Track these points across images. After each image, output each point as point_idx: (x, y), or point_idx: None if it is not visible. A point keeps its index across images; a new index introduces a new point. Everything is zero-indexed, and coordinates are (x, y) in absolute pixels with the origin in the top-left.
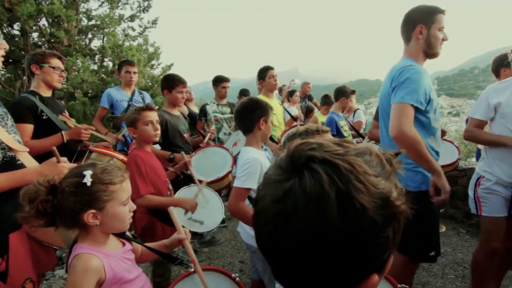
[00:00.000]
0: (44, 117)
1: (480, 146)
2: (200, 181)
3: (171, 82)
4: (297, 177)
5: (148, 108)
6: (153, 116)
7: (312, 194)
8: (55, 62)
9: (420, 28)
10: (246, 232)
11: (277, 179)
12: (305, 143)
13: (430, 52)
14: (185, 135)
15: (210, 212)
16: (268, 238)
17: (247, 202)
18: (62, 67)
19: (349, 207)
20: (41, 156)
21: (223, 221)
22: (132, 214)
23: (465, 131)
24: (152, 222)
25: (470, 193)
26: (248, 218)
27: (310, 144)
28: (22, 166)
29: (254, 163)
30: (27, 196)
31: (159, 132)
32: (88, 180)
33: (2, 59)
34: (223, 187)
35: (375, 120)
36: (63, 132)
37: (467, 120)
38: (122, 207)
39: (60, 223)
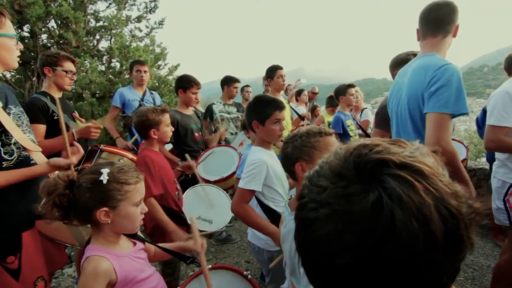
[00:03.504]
0: (55, 118)
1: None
2: (207, 181)
3: (186, 83)
4: (378, 186)
5: (167, 110)
6: (169, 118)
7: (411, 206)
8: (68, 65)
9: (458, 25)
10: (253, 232)
11: (347, 192)
12: (362, 146)
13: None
14: (196, 134)
15: (219, 211)
16: (349, 266)
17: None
18: (74, 70)
19: (448, 215)
20: (53, 155)
21: (229, 221)
22: (143, 216)
23: (490, 141)
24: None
25: (499, 203)
26: (250, 220)
27: (370, 147)
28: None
29: (260, 164)
30: (46, 188)
31: (172, 130)
32: (104, 178)
33: (18, 59)
34: (229, 187)
35: (378, 129)
36: (73, 130)
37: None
38: (134, 208)
39: (74, 217)
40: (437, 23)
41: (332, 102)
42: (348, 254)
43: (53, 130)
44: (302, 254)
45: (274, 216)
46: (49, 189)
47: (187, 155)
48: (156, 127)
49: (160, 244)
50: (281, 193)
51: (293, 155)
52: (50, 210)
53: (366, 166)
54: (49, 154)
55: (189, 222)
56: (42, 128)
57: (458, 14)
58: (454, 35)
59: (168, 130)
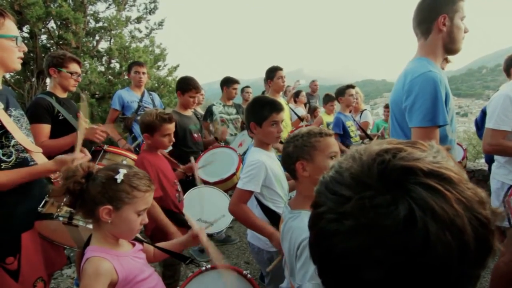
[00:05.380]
0: (60, 118)
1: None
2: (206, 183)
3: (185, 85)
4: (407, 196)
5: (169, 120)
6: (172, 128)
7: (444, 218)
8: (73, 67)
9: (443, 19)
10: (252, 233)
11: (374, 203)
12: (384, 151)
13: (452, 47)
14: (195, 135)
15: (220, 213)
16: (381, 280)
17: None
18: (79, 71)
19: (478, 225)
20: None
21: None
22: (141, 227)
23: (489, 144)
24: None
25: (498, 204)
26: (247, 220)
27: (394, 152)
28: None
29: (259, 165)
30: (65, 172)
31: (172, 142)
32: (119, 177)
33: (21, 61)
34: (229, 188)
35: None
36: (78, 132)
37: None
38: (136, 216)
39: (79, 207)
40: (416, 25)
41: (327, 99)
42: (378, 269)
43: (58, 130)
44: (321, 265)
45: (274, 217)
46: (68, 174)
47: (192, 158)
48: (151, 132)
49: (159, 244)
50: (280, 194)
51: (294, 154)
52: (62, 194)
53: (392, 174)
54: (53, 154)
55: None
56: (46, 128)
57: (441, 6)
58: (440, 30)
59: (164, 140)
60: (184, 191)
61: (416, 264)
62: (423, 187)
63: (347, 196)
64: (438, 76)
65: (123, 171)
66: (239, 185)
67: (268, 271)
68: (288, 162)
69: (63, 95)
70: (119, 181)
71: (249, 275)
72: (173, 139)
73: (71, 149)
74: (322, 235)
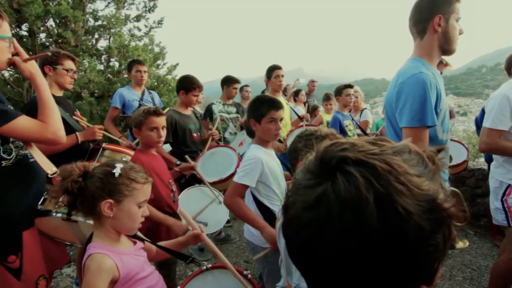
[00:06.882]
0: None
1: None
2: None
3: (189, 85)
4: (329, 181)
5: (156, 113)
6: (160, 122)
7: (347, 199)
8: (68, 64)
9: (439, 19)
10: (248, 229)
11: (307, 184)
12: (335, 144)
13: (448, 47)
14: (195, 134)
15: (215, 213)
16: (302, 246)
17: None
18: (75, 68)
19: (390, 212)
20: (55, 156)
21: (228, 221)
22: (143, 219)
23: (484, 143)
24: (156, 224)
25: (497, 203)
26: (240, 212)
27: (341, 145)
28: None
29: (255, 161)
30: (62, 173)
31: (163, 138)
32: (117, 171)
33: (9, 61)
34: (227, 188)
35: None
36: (77, 133)
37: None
38: (137, 208)
39: (80, 206)
40: (412, 25)
41: (326, 97)
42: (304, 232)
43: None
44: (283, 235)
45: (268, 214)
46: (65, 174)
47: (187, 157)
48: (139, 127)
49: (160, 243)
50: (276, 191)
51: (301, 152)
52: (60, 195)
53: (330, 162)
54: (51, 154)
55: (180, 214)
56: None
57: (437, 7)
58: (435, 31)
59: (151, 134)
60: (181, 190)
61: (324, 234)
62: (344, 172)
63: (298, 179)
64: (428, 78)
65: (119, 165)
66: (235, 179)
67: (255, 259)
68: (293, 155)
69: (59, 93)
70: (116, 175)
71: (249, 275)
72: (162, 135)
73: (71, 150)
74: (286, 222)
